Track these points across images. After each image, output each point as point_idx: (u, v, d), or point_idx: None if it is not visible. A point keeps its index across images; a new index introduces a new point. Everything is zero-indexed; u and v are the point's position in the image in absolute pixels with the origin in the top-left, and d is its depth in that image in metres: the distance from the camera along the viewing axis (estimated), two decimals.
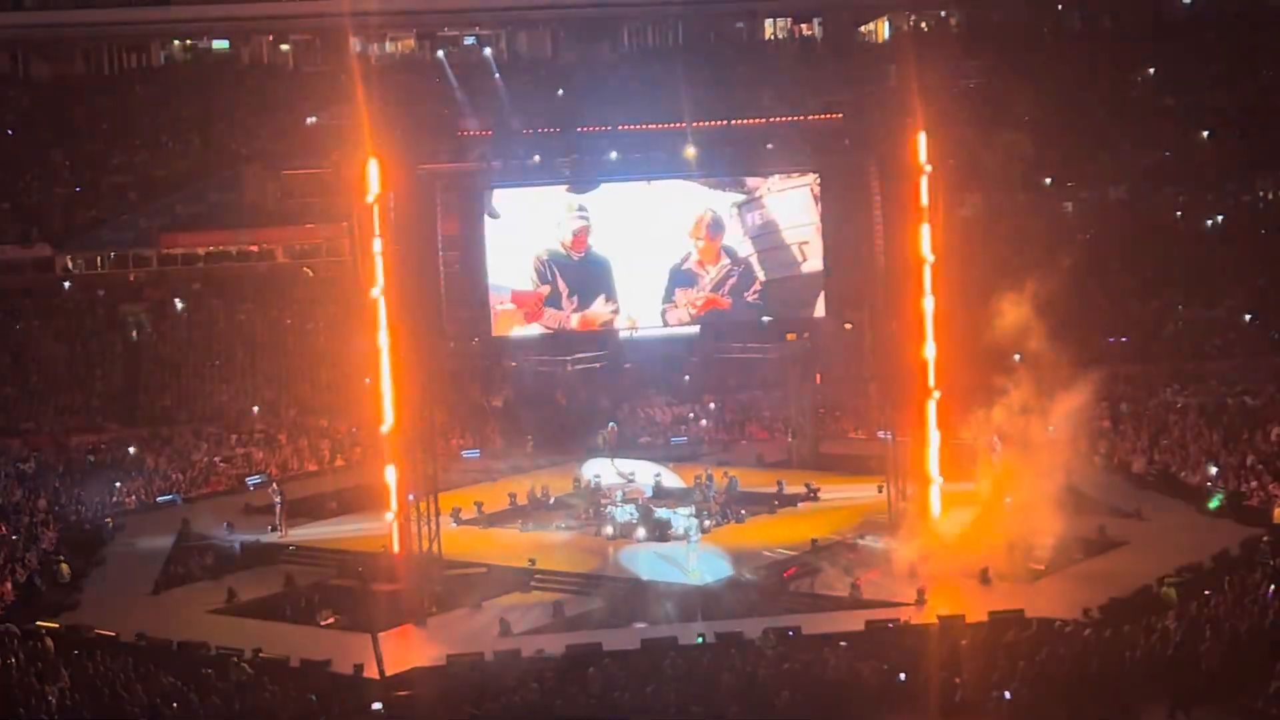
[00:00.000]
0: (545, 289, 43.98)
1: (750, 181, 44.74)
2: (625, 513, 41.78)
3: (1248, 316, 63.39)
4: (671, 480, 46.44)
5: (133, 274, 68.23)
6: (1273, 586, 30.43)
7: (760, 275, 45.05)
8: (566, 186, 43.84)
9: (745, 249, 44.93)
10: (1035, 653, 27.43)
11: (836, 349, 47.34)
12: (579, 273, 44.42)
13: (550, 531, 42.14)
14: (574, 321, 44.34)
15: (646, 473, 46.43)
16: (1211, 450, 45.19)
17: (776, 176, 44.58)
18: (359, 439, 53.07)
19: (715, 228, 44.69)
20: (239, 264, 68.82)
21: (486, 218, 43.69)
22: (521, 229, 44.07)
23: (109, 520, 45.15)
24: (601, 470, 46.59)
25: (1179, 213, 71.26)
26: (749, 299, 44.99)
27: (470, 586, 36.66)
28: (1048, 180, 71.36)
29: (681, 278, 44.88)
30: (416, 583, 36.50)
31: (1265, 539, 35.83)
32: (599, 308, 44.43)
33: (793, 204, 44.82)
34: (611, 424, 48.87)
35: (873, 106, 43.84)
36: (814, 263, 44.95)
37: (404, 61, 79.04)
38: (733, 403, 57.17)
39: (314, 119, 70.93)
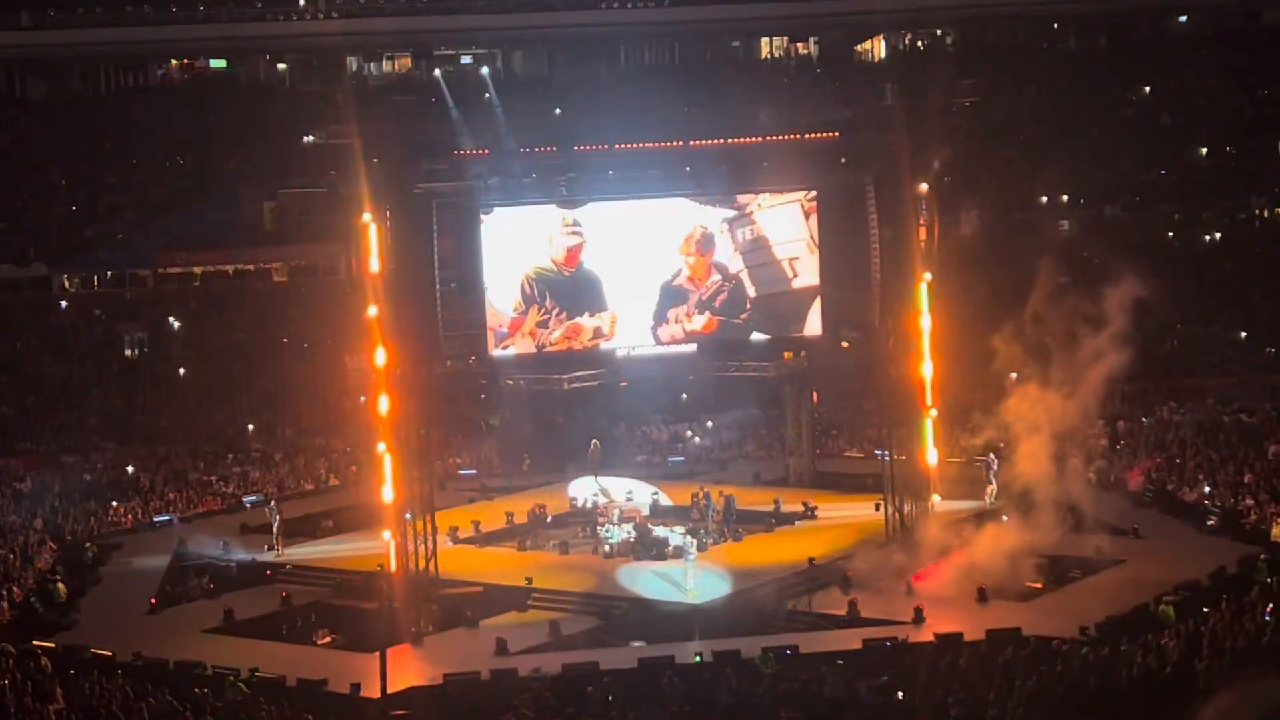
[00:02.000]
0: (533, 310, 44.06)
1: (740, 198, 44.84)
2: (622, 531, 41.73)
3: (1244, 334, 63.46)
4: (646, 497, 46.14)
5: (129, 293, 68.34)
6: (1270, 605, 30.39)
7: (751, 292, 45.15)
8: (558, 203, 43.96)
9: (736, 265, 45.03)
10: (1032, 671, 27.37)
11: (833, 367, 47.32)
12: (569, 289, 44.49)
13: (547, 550, 42.08)
14: (556, 335, 44.40)
15: (638, 491, 46.32)
16: (1209, 468, 45.16)
17: (767, 193, 44.70)
18: (355, 458, 53.04)
19: (706, 244, 44.82)
20: (236, 283, 68.87)
21: (482, 217, 43.70)
22: (514, 245, 44.11)
23: (88, 545, 44.70)
24: (586, 489, 46.38)
25: (1174, 230, 71.36)
26: (741, 317, 45.11)
27: (467, 606, 36.60)
28: (1044, 198, 71.46)
29: (672, 294, 44.97)
30: (413, 602, 36.42)
31: (1263, 557, 35.81)
32: (587, 322, 44.52)
33: (783, 220, 44.91)
34: (595, 442, 48.72)
35: (869, 125, 43.93)
36: (805, 279, 45.02)
37: (400, 81, 79.15)
38: (730, 421, 57.15)
39: (310, 138, 71.02)
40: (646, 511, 43.96)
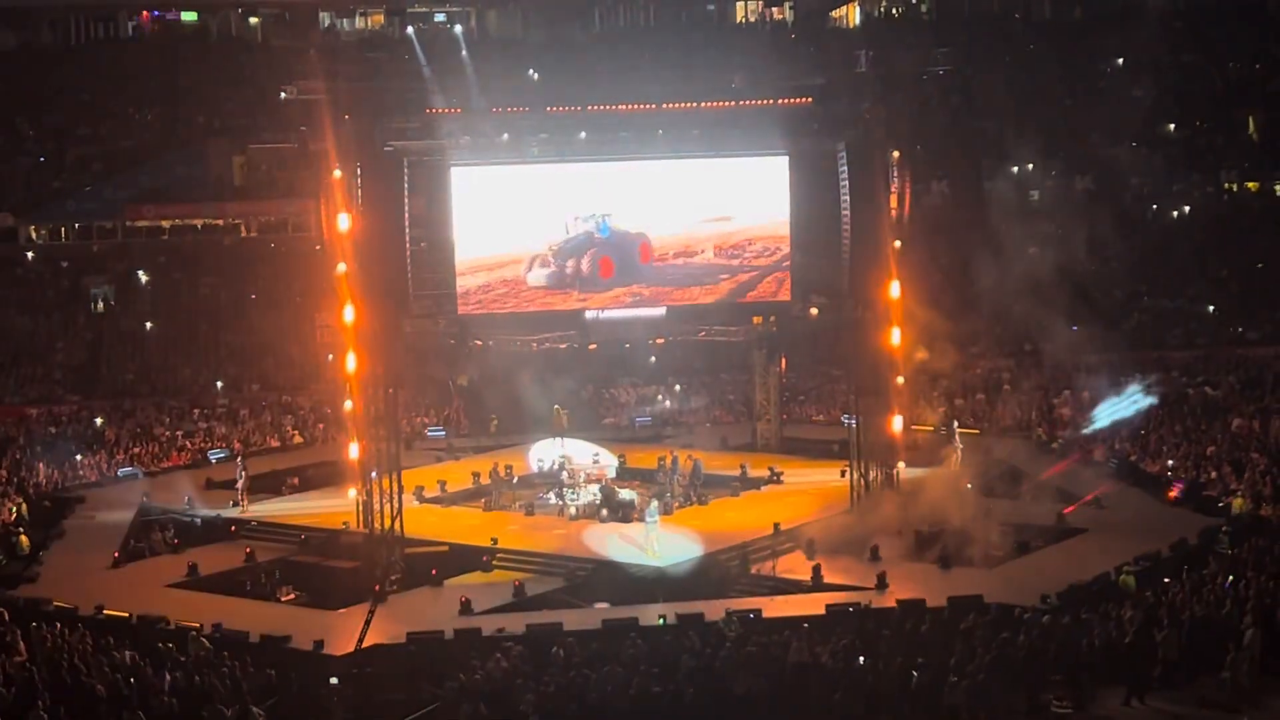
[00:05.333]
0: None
1: (715, 162, 44.77)
2: (588, 493, 41.78)
3: (1210, 307, 63.76)
4: (607, 460, 46.18)
5: (97, 245, 68.04)
6: (1230, 577, 30.65)
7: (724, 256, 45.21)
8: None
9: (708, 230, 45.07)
10: (993, 638, 27.55)
11: (802, 333, 47.38)
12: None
13: (513, 511, 42.12)
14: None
15: (602, 456, 46.13)
16: (1172, 440, 45.41)
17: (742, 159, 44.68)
18: (322, 415, 52.94)
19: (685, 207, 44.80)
20: (204, 237, 68.64)
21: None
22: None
23: (15, 508, 43.09)
24: (549, 452, 46.26)
25: (1144, 203, 71.60)
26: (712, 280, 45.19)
27: (432, 565, 36.61)
28: (1014, 168, 71.58)
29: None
30: (377, 560, 36.42)
31: (1223, 529, 36.05)
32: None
33: (756, 186, 44.96)
34: (557, 407, 48.58)
35: (842, 91, 43.90)
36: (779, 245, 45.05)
37: (373, 37, 78.79)
38: (698, 385, 57.23)
39: (282, 93, 70.66)
40: (613, 474, 44.02)
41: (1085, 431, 46.73)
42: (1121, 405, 45.82)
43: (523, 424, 50.54)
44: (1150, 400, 47.21)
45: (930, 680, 26.11)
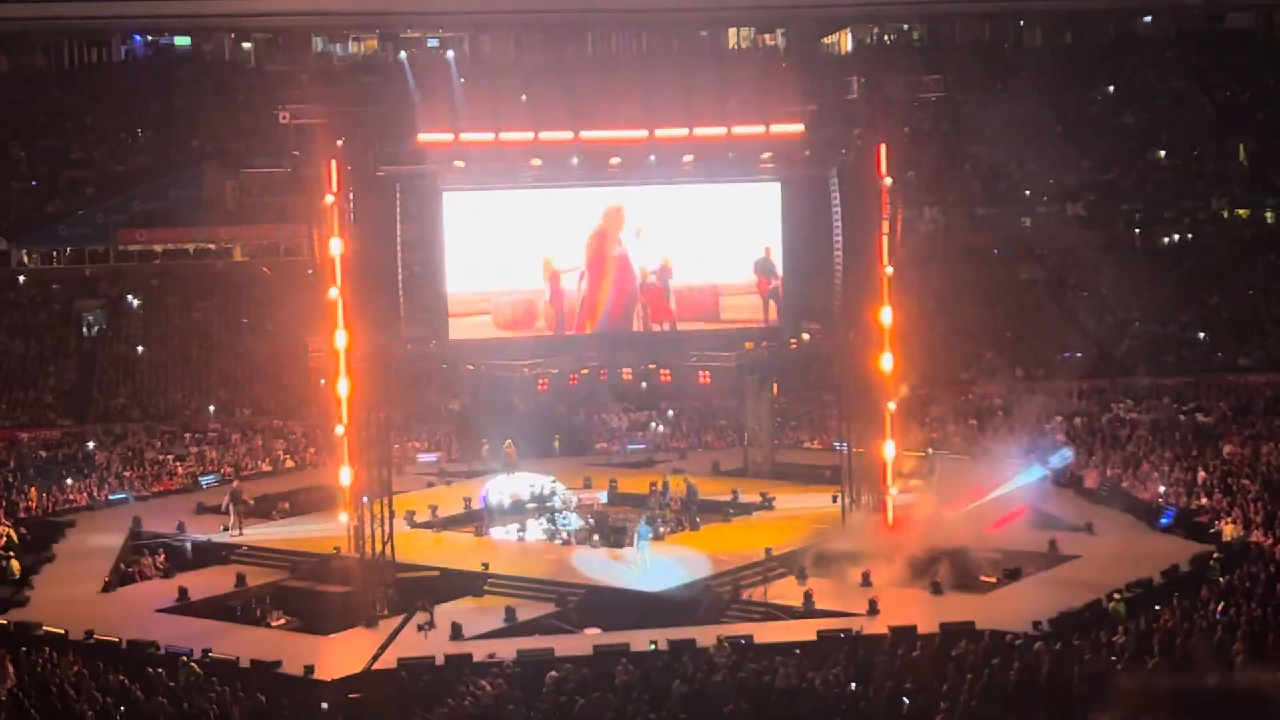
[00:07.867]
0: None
1: (709, 188, 44.82)
2: (579, 518, 41.72)
3: (1201, 334, 63.92)
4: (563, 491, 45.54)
5: (89, 270, 67.96)
6: (1221, 604, 30.65)
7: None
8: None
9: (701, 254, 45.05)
10: (985, 664, 27.54)
11: (794, 359, 47.39)
12: None
13: (504, 536, 42.05)
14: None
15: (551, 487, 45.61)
16: (1163, 467, 45.46)
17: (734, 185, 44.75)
18: (314, 440, 52.87)
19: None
20: (196, 262, 68.65)
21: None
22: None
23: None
24: (500, 489, 45.68)
25: (1135, 230, 71.74)
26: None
27: (422, 590, 36.54)
28: (1006, 195, 71.75)
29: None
30: (368, 585, 36.35)
31: (1215, 556, 36.07)
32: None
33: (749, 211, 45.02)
34: (508, 440, 48.24)
35: (834, 118, 43.82)
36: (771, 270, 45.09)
37: (366, 62, 78.84)
38: (690, 410, 57.20)
39: (285, 116, 70.62)
40: (604, 500, 43.95)
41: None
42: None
43: (516, 448, 50.45)
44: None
45: (922, 707, 26.08)
